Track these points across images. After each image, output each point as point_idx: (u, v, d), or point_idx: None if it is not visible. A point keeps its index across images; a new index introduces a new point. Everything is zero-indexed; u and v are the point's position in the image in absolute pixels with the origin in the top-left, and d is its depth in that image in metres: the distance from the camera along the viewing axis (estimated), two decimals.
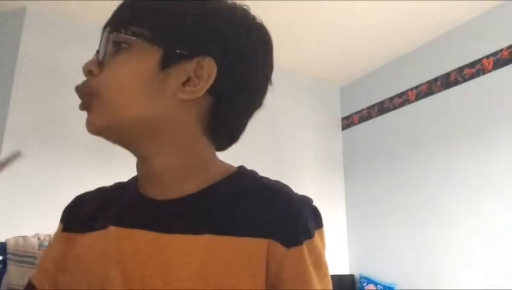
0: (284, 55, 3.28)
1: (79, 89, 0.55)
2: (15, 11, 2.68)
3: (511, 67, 2.49)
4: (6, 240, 2.17)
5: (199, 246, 0.50)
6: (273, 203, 0.53)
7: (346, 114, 3.72)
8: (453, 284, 2.57)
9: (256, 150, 3.21)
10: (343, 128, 3.72)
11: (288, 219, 0.51)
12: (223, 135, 0.59)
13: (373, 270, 3.16)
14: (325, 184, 3.51)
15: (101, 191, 0.65)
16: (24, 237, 2.11)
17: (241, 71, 0.56)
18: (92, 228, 0.58)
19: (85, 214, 0.61)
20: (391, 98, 3.28)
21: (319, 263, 0.53)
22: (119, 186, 0.64)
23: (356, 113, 3.61)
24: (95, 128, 0.54)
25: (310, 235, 0.52)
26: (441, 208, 2.75)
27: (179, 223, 0.52)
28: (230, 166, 0.59)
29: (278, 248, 0.50)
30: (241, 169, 0.59)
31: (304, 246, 0.51)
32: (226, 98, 0.56)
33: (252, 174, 0.59)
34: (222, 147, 0.61)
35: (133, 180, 0.62)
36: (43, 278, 0.60)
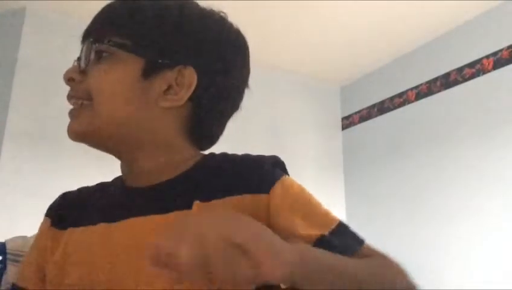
0: (284, 55, 3.28)
1: (73, 97, 0.57)
2: (15, 11, 2.67)
3: (511, 67, 2.48)
4: (5, 240, 2.16)
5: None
6: (239, 165, 0.57)
7: (346, 114, 3.72)
8: (453, 284, 2.57)
9: (256, 150, 3.20)
10: (343, 128, 3.72)
11: (253, 171, 0.55)
12: (203, 138, 0.62)
13: None
14: (325, 184, 3.50)
15: (84, 190, 0.67)
16: (23, 237, 2.11)
17: (221, 79, 0.58)
18: (79, 224, 0.59)
19: (71, 210, 0.62)
20: (391, 98, 3.27)
21: (303, 193, 0.58)
22: (103, 185, 0.66)
23: (356, 113, 3.61)
24: (77, 133, 0.56)
25: (279, 176, 0.56)
26: (441, 208, 2.75)
27: (172, 201, 0.54)
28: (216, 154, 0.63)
29: (258, 198, 0.53)
30: (213, 153, 0.62)
31: (280, 181, 0.55)
32: (206, 105, 0.58)
33: (223, 153, 0.61)
34: (203, 148, 0.63)
35: (118, 179, 0.63)
36: (31, 272, 0.60)
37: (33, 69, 2.62)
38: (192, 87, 0.56)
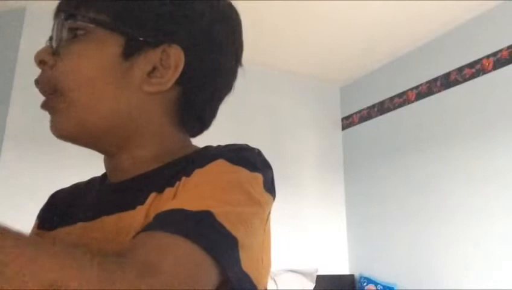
0: (284, 56, 3.29)
1: (40, 86, 0.51)
2: (15, 11, 2.67)
3: (511, 67, 2.49)
4: None
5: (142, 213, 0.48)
6: (200, 152, 0.52)
7: (346, 114, 3.72)
8: (453, 284, 2.57)
9: None
10: (343, 128, 3.72)
11: (202, 155, 0.49)
12: (193, 123, 0.56)
13: (373, 270, 3.16)
14: (325, 184, 3.51)
15: (75, 186, 0.64)
16: None
17: (210, 57, 0.52)
18: (63, 223, 0.56)
19: (59, 209, 0.59)
20: (391, 98, 3.28)
21: (215, 180, 0.45)
22: (92, 180, 0.62)
23: (356, 113, 3.61)
24: (61, 134, 0.51)
25: (212, 160, 0.47)
26: (440, 208, 2.75)
27: (139, 196, 0.49)
28: (201, 147, 0.57)
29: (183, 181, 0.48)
30: (208, 146, 0.56)
31: (208, 165, 0.47)
32: (196, 87, 0.53)
33: (217, 145, 0.55)
34: (194, 134, 0.58)
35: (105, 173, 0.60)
36: None
37: (33, 69, 2.62)
38: (180, 68, 0.49)
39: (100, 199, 0.54)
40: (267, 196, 0.49)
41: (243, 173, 0.47)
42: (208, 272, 0.38)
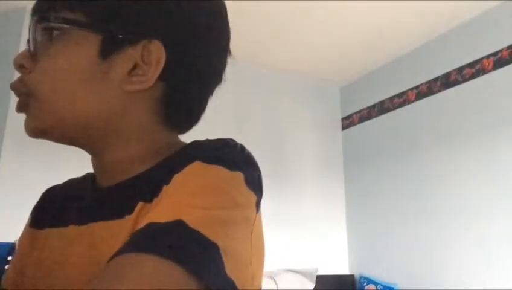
0: (284, 56, 3.29)
1: (15, 88, 0.50)
2: (15, 11, 2.67)
3: (511, 67, 2.49)
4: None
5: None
6: (185, 151, 0.50)
7: (346, 114, 3.72)
8: (453, 284, 2.57)
9: (255, 150, 3.20)
10: (343, 128, 3.72)
11: (186, 155, 0.46)
12: (181, 119, 0.54)
13: (373, 270, 3.16)
14: (325, 184, 3.51)
15: (69, 183, 0.62)
16: None
17: (193, 50, 0.50)
18: (55, 224, 0.55)
19: (52, 208, 0.58)
20: (391, 98, 3.28)
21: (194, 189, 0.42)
22: (87, 177, 0.60)
23: (356, 113, 3.61)
24: (34, 132, 0.49)
25: (191, 162, 0.45)
26: (441, 208, 2.75)
27: (127, 204, 0.47)
28: (186, 144, 0.54)
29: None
30: (193, 142, 0.53)
31: (187, 168, 0.44)
32: (181, 82, 0.51)
33: (204, 140, 0.52)
34: (183, 130, 0.56)
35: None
36: (12, 275, 0.57)
37: None
38: (161, 64, 0.47)
39: (90, 203, 0.53)
40: (250, 194, 0.45)
41: (221, 173, 0.44)
42: (181, 285, 0.34)
